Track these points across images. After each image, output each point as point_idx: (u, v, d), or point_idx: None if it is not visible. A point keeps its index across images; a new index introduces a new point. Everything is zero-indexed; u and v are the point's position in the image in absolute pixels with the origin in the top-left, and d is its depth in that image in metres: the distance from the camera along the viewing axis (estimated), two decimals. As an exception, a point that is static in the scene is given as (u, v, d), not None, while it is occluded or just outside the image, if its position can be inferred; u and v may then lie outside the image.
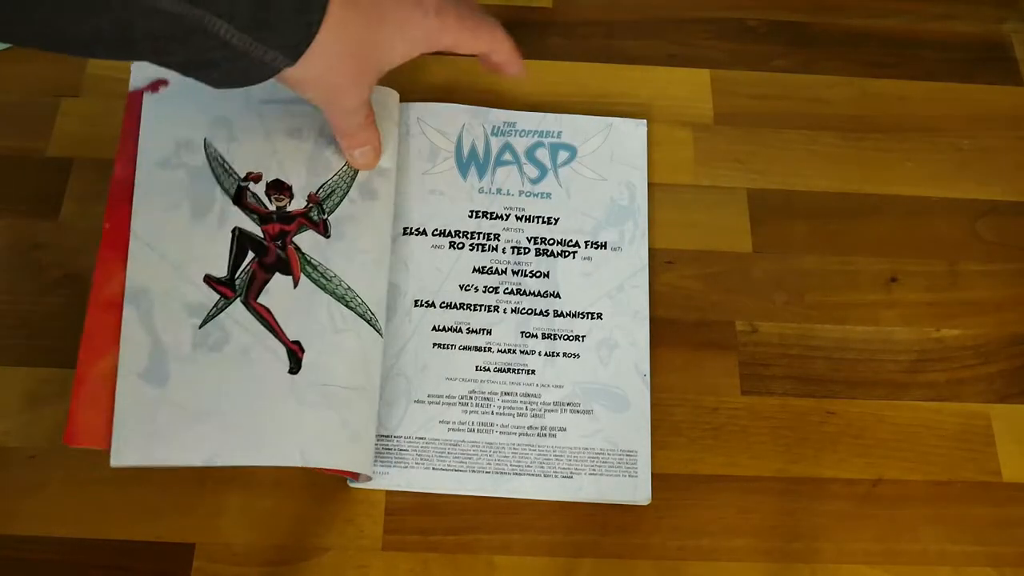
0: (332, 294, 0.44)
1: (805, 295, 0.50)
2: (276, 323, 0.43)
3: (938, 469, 0.46)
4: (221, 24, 0.34)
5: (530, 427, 0.45)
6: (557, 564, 0.44)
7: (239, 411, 0.41)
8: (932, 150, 0.54)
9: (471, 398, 0.46)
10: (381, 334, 0.45)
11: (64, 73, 0.53)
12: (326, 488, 0.44)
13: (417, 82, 0.54)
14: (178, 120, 0.46)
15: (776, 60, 0.57)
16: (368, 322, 0.44)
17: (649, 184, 0.52)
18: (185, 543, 0.43)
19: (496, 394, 0.46)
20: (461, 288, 0.48)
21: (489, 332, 0.47)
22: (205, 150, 0.46)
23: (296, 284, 0.44)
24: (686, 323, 0.49)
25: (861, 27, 0.58)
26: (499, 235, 0.49)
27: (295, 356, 0.43)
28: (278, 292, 0.44)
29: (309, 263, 0.45)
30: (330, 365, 0.43)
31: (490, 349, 0.47)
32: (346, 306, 0.44)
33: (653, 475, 0.45)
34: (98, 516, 0.43)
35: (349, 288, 0.44)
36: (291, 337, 0.43)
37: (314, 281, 0.44)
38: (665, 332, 0.48)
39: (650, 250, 0.50)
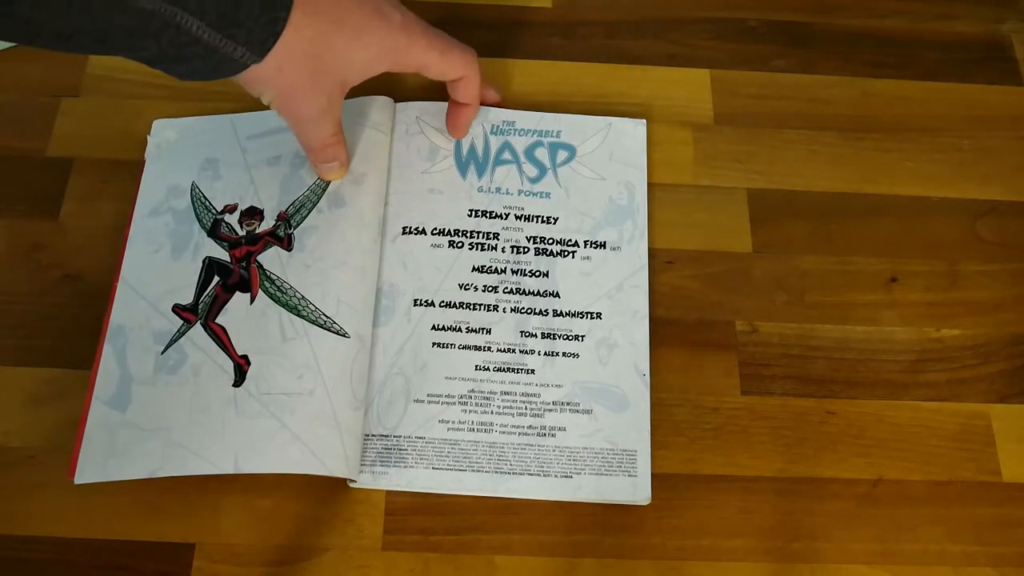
0: (285, 305, 0.46)
1: (805, 295, 0.50)
2: (228, 340, 0.45)
3: (938, 469, 0.46)
4: (193, 20, 0.35)
5: (529, 427, 0.45)
6: (557, 564, 0.44)
7: (182, 426, 0.43)
8: (932, 150, 0.55)
9: (471, 397, 0.46)
10: (345, 335, 0.45)
11: (64, 73, 0.53)
12: (326, 488, 0.44)
13: (418, 80, 0.54)
14: (172, 169, 0.49)
15: (776, 60, 0.57)
16: (323, 327, 0.45)
17: (649, 184, 0.52)
18: (185, 543, 0.43)
19: (496, 393, 0.46)
20: (460, 287, 0.48)
21: (488, 331, 0.47)
22: (191, 192, 0.49)
23: (253, 300, 0.46)
24: (686, 323, 0.49)
25: (861, 27, 0.58)
26: (498, 234, 0.49)
27: (240, 369, 0.44)
28: (235, 310, 0.46)
29: (268, 278, 0.46)
30: (272, 374, 0.44)
31: (489, 348, 0.47)
32: (297, 315, 0.45)
33: (653, 475, 0.45)
34: (98, 516, 0.43)
35: (302, 298, 0.46)
36: (240, 352, 0.45)
37: (270, 295, 0.46)
38: (665, 332, 0.48)
39: (650, 250, 0.50)
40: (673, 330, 0.49)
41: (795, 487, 0.46)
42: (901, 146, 0.54)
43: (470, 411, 0.45)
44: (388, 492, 0.45)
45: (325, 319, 0.45)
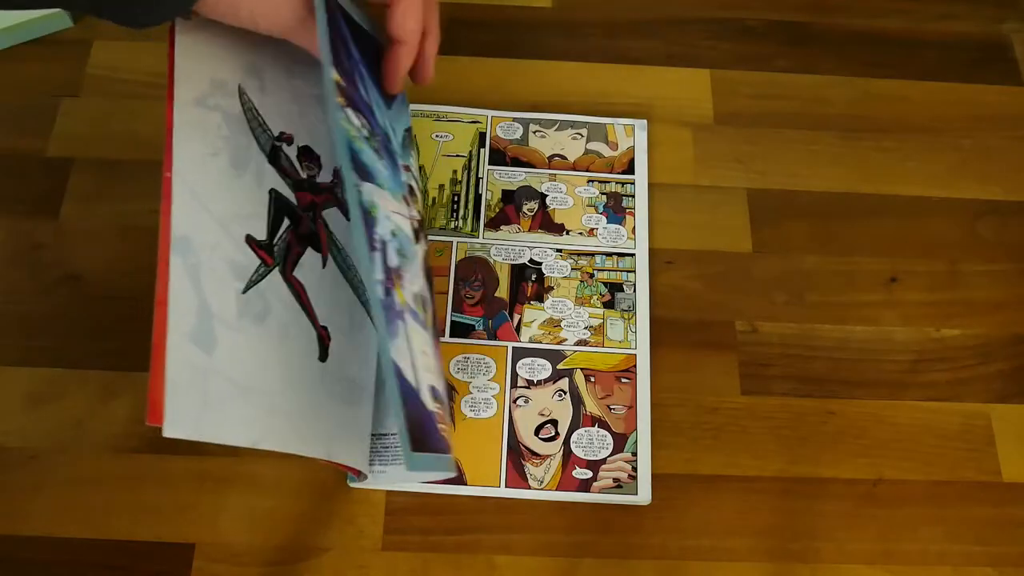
0: (350, 283, 0.43)
1: (805, 295, 0.50)
2: (309, 302, 0.40)
3: (938, 469, 0.46)
4: None
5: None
6: (557, 564, 0.44)
7: (281, 394, 0.37)
8: (932, 150, 0.55)
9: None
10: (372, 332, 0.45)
11: (64, 73, 0.53)
12: (326, 488, 0.44)
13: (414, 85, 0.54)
14: (211, 57, 0.40)
15: (776, 60, 0.57)
16: (372, 320, 0.44)
17: (649, 184, 0.52)
18: (185, 543, 0.43)
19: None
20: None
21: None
22: (240, 98, 0.41)
23: (324, 264, 0.41)
24: (686, 323, 0.49)
25: (861, 27, 0.58)
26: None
27: (323, 343, 0.40)
28: (309, 269, 0.41)
29: (335, 244, 0.43)
30: (348, 358, 0.42)
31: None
32: (359, 299, 0.43)
33: (653, 475, 0.45)
34: (98, 516, 0.43)
35: (361, 282, 0.43)
36: (320, 321, 0.40)
37: (338, 265, 0.42)
38: (665, 332, 0.48)
39: (650, 250, 0.50)
40: (673, 330, 0.49)
41: (795, 487, 0.46)
42: (901, 146, 0.55)
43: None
44: (388, 492, 0.45)
45: (374, 314, 0.43)
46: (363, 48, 0.40)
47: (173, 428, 0.33)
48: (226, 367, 0.36)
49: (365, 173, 0.37)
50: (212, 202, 0.38)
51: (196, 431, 0.34)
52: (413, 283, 0.40)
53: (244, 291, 0.38)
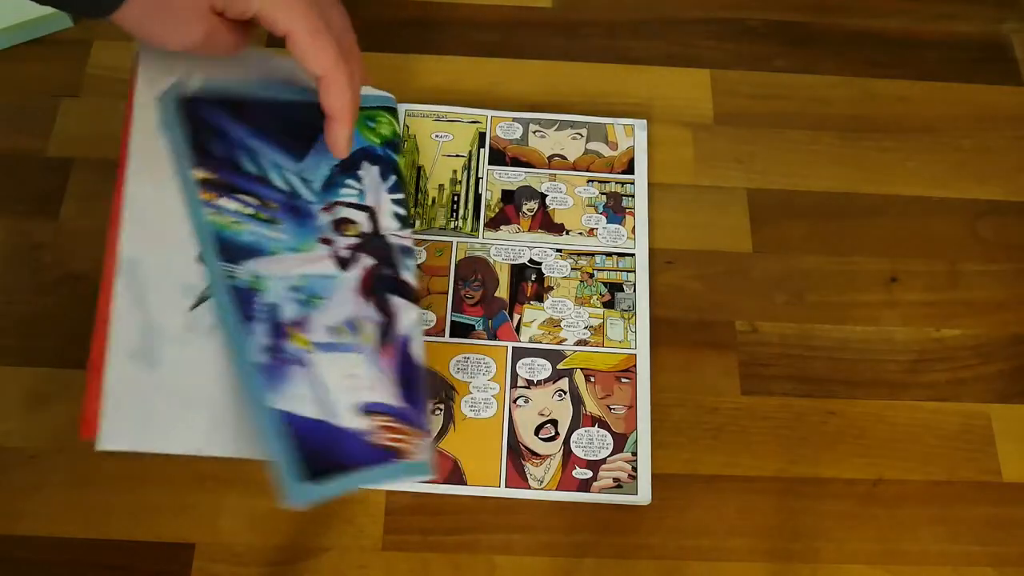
0: None
1: (805, 295, 0.50)
2: None
3: (938, 469, 0.46)
4: None
5: None
6: (557, 564, 0.44)
7: (228, 401, 0.39)
8: (932, 150, 0.55)
9: None
10: None
11: (64, 73, 0.53)
12: (326, 488, 0.44)
13: (413, 86, 0.54)
14: (168, 84, 0.43)
15: (776, 60, 0.57)
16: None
17: (649, 184, 0.52)
18: (185, 543, 0.43)
19: None
20: None
21: None
22: None
23: None
24: (686, 323, 0.49)
25: (861, 27, 0.58)
26: None
27: None
28: None
29: None
30: None
31: None
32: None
33: (653, 475, 0.45)
34: (98, 516, 0.43)
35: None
36: None
37: None
38: (665, 332, 0.48)
39: (650, 250, 0.50)
40: (673, 330, 0.49)
41: (795, 487, 0.46)
42: (901, 146, 0.55)
43: None
44: (388, 492, 0.45)
45: None
46: (259, 113, 0.43)
47: (107, 441, 0.36)
48: (170, 381, 0.38)
49: (248, 252, 0.40)
50: (162, 223, 0.40)
51: (133, 443, 0.36)
52: (328, 317, 0.41)
53: (192, 308, 0.40)
